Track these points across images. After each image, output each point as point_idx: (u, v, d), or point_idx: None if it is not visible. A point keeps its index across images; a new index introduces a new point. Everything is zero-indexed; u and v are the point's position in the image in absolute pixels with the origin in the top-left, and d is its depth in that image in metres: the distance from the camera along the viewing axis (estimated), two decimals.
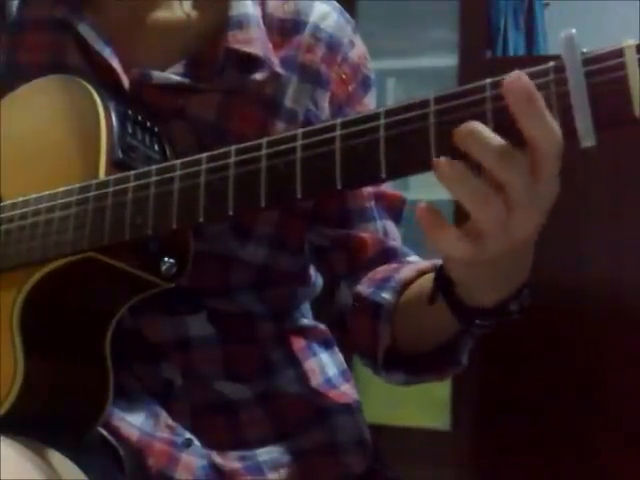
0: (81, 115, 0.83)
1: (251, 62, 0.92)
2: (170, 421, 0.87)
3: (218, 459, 0.87)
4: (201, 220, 0.73)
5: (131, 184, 0.76)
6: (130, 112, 0.84)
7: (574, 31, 0.60)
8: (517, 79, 0.60)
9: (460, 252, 0.65)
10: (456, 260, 0.69)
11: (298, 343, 0.97)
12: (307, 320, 1.01)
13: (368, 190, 0.95)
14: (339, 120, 0.68)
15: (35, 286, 0.78)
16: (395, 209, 0.98)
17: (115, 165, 0.80)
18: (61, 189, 0.80)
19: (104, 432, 0.85)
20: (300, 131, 0.69)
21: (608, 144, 0.62)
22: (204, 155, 0.74)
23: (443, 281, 0.76)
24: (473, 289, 0.73)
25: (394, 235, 0.97)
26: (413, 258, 0.95)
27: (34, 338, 0.79)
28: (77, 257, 0.78)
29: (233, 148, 0.72)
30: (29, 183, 0.84)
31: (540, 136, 0.61)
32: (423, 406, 2.33)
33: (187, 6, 0.95)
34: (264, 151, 0.70)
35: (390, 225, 0.97)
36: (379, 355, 0.89)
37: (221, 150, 0.73)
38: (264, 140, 0.71)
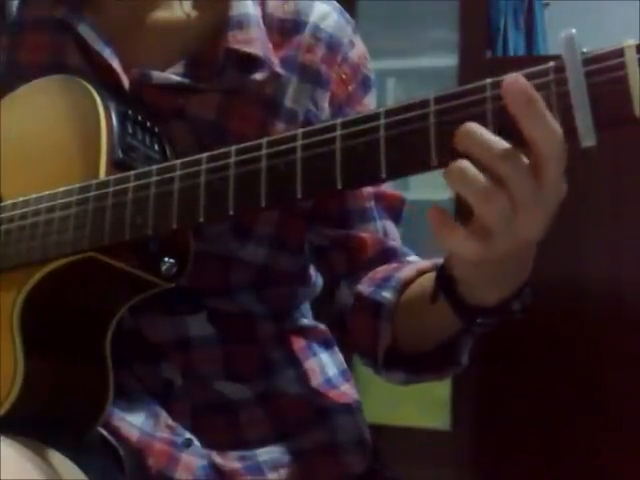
0: (81, 115, 0.83)
1: (251, 62, 0.92)
2: (170, 421, 0.87)
3: (218, 459, 0.87)
4: (201, 220, 0.73)
5: (131, 184, 0.76)
6: (130, 112, 0.84)
7: (574, 31, 0.60)
8: (515, 81, 0.61)
9: (469, 251, 0.65)
10: (465, 259, 0.69)
11: (298, 343, 0.97)
12: (307, 320, 1.01)
13: (368, 190, 0.95)
14: (339, 120, 0.68)
15: (35, 286, 0.78)
16: (395, 209, 0.98)
17: (115, 165, 0.80)
18: (61, 189, 0.80)
19: (104, 432, 0.85)
20: (300, 131, 0.69)
21: (608, 144, 0.62)
22: (204, 155, 0.74)
23: (445, 280, 0.76)
24: (475, 288, 0.73)
25: (394, 235, 0.97)
26: (413, 258, 0.95)
27: (34, 338, 0.79)
28: (77, 257, 0.78)
29: (233, 148, 0.72)
30: (29, 183, 0.84)
31: (541, 137, 0.61)
32: (423, 406, 2.33)
33: (187, 6, 0.95)
34: (264, 151, 0.70)
35: (390, 225, 0.97)
36: (379, 354, 0.89)
37: (221, 150, 0.73)
38: (264, 140, 0.71)
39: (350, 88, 0.97)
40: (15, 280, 0.80)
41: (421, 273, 0.87)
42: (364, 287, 0.92)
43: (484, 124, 0.62)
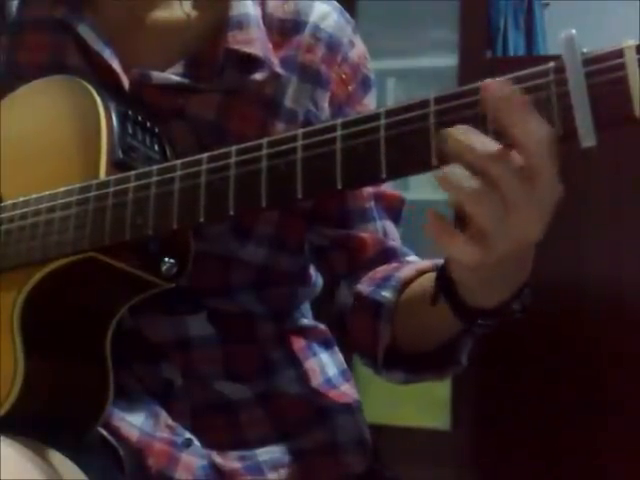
0: (82, 115, 0.83)
1: (251, 62, 0.92)
2: (170, 421, 0.87)
3: (218, 459, 0.87)
4: (202, 220, 0.73)
5: (132, 184, 0.76)
6: (130, 112, 0.84)
7: (574, 32, 0.60)
8: (492, 82, 0.61)
9: (468, 256, 0.65)
10: (465, 264, 0.69)
11: (298, 343, 0.97)
12: (307, 320, 1.01)
13: (368, 190, 0.95)
14: (339, 120, 0.68)
15: (35, 286, 0.78)
16: (395, 209, 0.98)
17: (115, 165, 0.80)
18: (61, 189, 0.80)
19: (104, 432, 0.85)
20: (301, 131, 0.69)
21: (608, 144, 0.62)
22: (205, 155, 0.74)
23: (445, 282, 0.76)
24: (476, 290, 0.73)
25: (394, 235, 0.97)
26: (413, 258, 0.95)
27: (34, 338, 0.79)
28: (78, 257, 0.78)
29: (234, 148, 0.72)
30: (29, 183, 0.84)
31: (523, 134, 0.61)
32: (423, 406, 2.34)
33: (187, 6, 0.95)
34: (265, 151, 0.70)
35: (390, 225, 0.97)
36: (379, 354, 0.89)
37: (222, 150, 0.73)
38: (265, 140, 0.71)
39: (350, 88, 0.97)
40: (15, 280, 0.80)
41: (421, 273, 0.87)
42: (364, 287, 0.92)
43: (484, 125, 0.62)
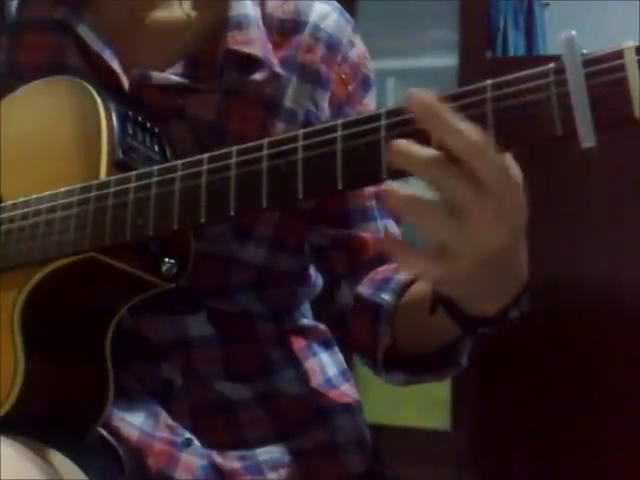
0: (82, 116, 0.83)
1: (251, 63, 0.92)
2: (170, 421, 0.87)
3: (218, 459, 0.87)
4: (202, 221, 0.73)
5: (132, 184, 0.76)
6: (130, 113, 0.84)
7: (574, 33, 0.60)
8: (410, 97, 0.62)
9: (429, 272, 0.66)
10: (430, 279, 0.70)
11: (298, 343, 0.97)
12: (307, 320, 1.01)
13: (369, 190, 0.95)
14: (340, 121, 0.68)
15: (36, 286, 0.78)
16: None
17: (116, 166, 0.80)
18: (62, 189, 0.80)
19: (104, 432, 0.85)
20: (301, 132, 0.69)
21: (608, 145, 0.62)
22: (205, 156, 0.74)
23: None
24: (470, 299, 0.73)
25: (395, 234, 0.97)
26: None
27: (35, 338, 0.79)
28: (78, 257, 0.78)
29: (234, 149, 0.72)
30: (30, 183, 0.84)
31: (452, 139, 0.61)
32: (423, 406, 2.33)
33: (186, 6, 0.95)
34: (265, 152, 0.70)
35: (391, 224, 0.97)
36: (379, 355, 0.89)
37: (222, 151, 0.73)
38: (265, 141, 0.71)
39: (350, 88, 0.97)
40: (16, 280, 0.80)
41: None
42: (364, 289, 0.92)
43: (484, 126, 0.62)
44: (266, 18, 0.95)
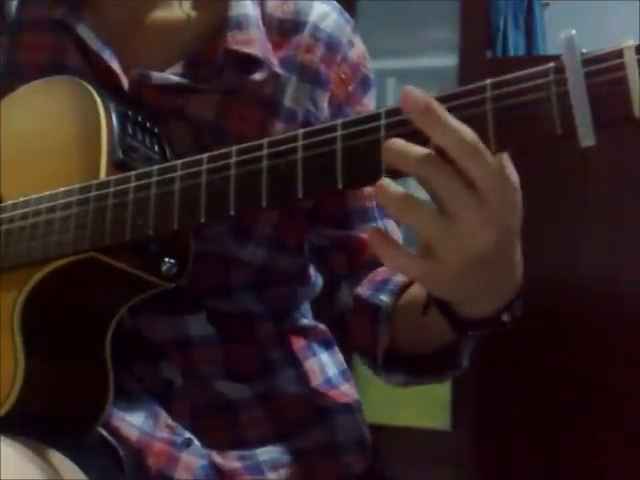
0: (82, 116, 0.83)
1: (250, 63, 0.92)
2: (170, 421, 0.87)
3: (218, 459, 0.87)
4: (202, 220, 0.73)
5: (132, 184, 0.76)
6: (130, 113, 0.84)
7: (574, 32, 0.60)
8: (404, 97, 0.62)
9: (408, 267, 0.66)
10: (412, 277, 0.69)
11: (298, 343, 0.97)
12: (307, 320, 1.01)
13: (368, 190, 0.95)
14: (340, 120, 0.68)
15: (36, 286, 0.78)
16: None
17: (116, 166, 0.80)
18: (62, 189, 0.80)
19: (104, 432, 0.85)
20: (301, 131, 0.69)
21: (608, 144, 0.62)
22: (205, 155, 0.74)
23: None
24: (462, 301, 0.73)
25: (395, 235, 0.97)
26: None
27: (35, 338, 0.79)
28: (78, 257, 0.78)
29: (234, 148, 0.72)
30: (30, 183, 0.84)
31: (442, 137, 0.61)
32: (423, 406, 2.33)
33: (186, 6, 0.95)
34: (265, 151, 0.70)
35: (391, 225, 0.97)
36: (378, 356, 0.89)
37: (222, 150, 0.73)
38: (265, 140, 0.71)
39: (349, 88, 0.97)
40: (16, 280, 0.80)
41: None
42: (363, 289, 0.92)
43: (484, 125, 0.62)
44: (266, 18, 0.95)
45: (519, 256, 0.70)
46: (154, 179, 0.76)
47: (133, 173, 0.77)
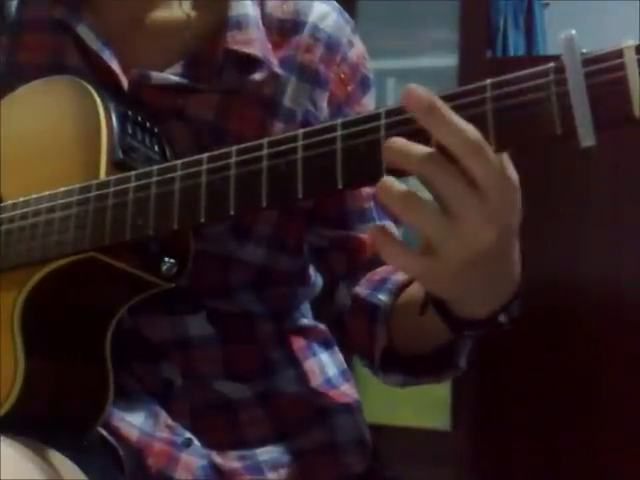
0: (82, 116, 0.83)
1: (250, 63, 0.92)
2: (170, 421, 0.87)
3: (218, 459, 0.87)
4: (202, 220, 0.73)
5: (132, 184, 0.76)
6: (130, 113, 0.84)
7: (574, 32, 0.60)
8: (407, 95, 0.62)
9: (408, 265, 0.66)
10: (413, 275, 0.69)
11: (298, 343, 0.97)
12: (307, 320, 1.01)
13: (367, 191, 0.95)
14: (340, 120, 0.68)
15: (36, 286, 0.78)
16: None
17: (115, 165, 0.80)
18: (62, 189, 0.80)
19: (104, 432, 0.85)
20: (301, 131, 0.69)
21: (608, 144, 0.62)
22: (205, 155, 0.74)
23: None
24: (460, 303, 0.73)
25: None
26: None
27: (35, 338, 0.79)
28: (78, 257, 0.78)
29: (234, 148, 0.72)
30: (30, 183, 0.84)
31: (447, 136, 0.61)
32: (423, 406, 2.33)
33: (186, 6, 0.95)
34: (265, 151, 0.70)
35: (390, 225, 0.97)
36: (376, 355, 0.89)
37: (222, 150, 0.73)
38: (265, 140, 0.71)
39: (349, 88, 0.97)
40: (15, 280, 0.80)
41: None
42: (361, 289, 0.92)
43: (484, 125, 0.62)
44: (266, 18, 0.95)
45: (517, 255, 0.70)
46: (154, 179, 0.76)
47: (133, 173, 0.77)
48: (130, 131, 0.83)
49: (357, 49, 0.99)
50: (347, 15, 1.01)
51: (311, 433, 0.91)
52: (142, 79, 0.90)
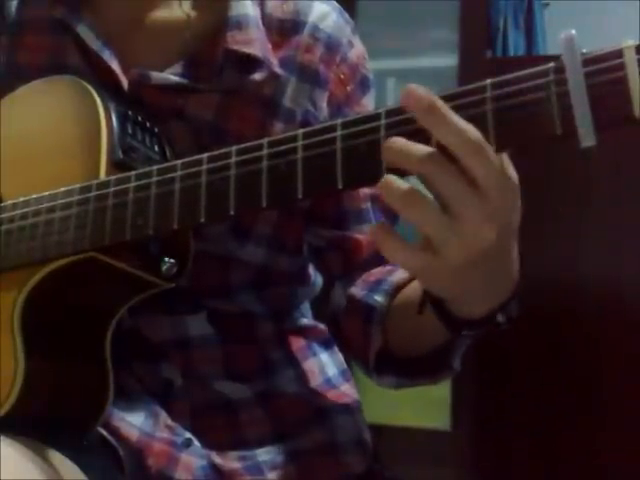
0: (81, 116, 0.83)
1: (250, 63, 0.92)
2: (170, 421, 0.87)
3: (218, 459, 0.87)
4: (202, 220, 0.73)
5: (132, 184, 0.76)
6: (130, 113, 0.84)
7: (574, 32, 0.60)
8: (407, 95, 0.62)
9: (408, 261, 0.66)
10: (412, 271, 0.69)
11: (298, 343, 0.97)
12: (307, 320, 1.01)
13: (365, 191, 0.95)
14: (339, 120, 0.68)
15: (36, 286, 0.78)
16: (391, 210, 0.97)
17: (115, 165, 0.80)
18: (62, 189, 0.80)
19: (104, 432, 0.85)
20: (301, 131, 0.69)
21: (608, 144, 0.62)
22: (205, 155, 0.74)
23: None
24: (459, 302, 0.73)
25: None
26: None
27: (35, 338, 0.79)
28: (78, 257, 0.78)
29: (234, 148, 0.72)
30: (30, 183, 0.84)
31: (447, 136, 0.61)
32: (423, 406, 2.33)
33: (186, 6, 0.95)
34: (265, 151, 0.70)
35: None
36: (370, 357, 0.89)
37: (222, 150, 0.73)
38: (265, 140, 0.71)
39: (349, 88, 0.97)
40: (16, 280, 0.80)
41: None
42: (357, 290, 0.92)
43: (484, 125, 0.62)
44: (265, 18, 0.95)
45: (516, 254, 0.70)
46: (154, 179, 0.76)
47: (133, 173, 0.77)
48: (130, 131, 0.83)
49: (357, 49, 0.99)
50: (347, 15, 1.01)
51: (311, 433, 0.91)
52: (142, 79, 0.90)
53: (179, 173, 0.74)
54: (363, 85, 0.99)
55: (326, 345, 1.00)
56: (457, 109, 0.62)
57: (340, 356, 1.01)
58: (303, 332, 0.99)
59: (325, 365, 0.98)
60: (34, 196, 0.82)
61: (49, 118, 0.87)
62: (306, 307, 1.03)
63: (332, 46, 0.96)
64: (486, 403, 2.20)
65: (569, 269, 2.13)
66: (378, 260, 0.93)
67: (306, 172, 0.68)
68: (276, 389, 0.92)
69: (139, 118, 0.85)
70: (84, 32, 0.92)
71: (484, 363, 1.93)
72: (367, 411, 0.98)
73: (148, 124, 0.85)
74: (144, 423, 0.86)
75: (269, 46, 0.93)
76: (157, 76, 0.90)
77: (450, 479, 2.24)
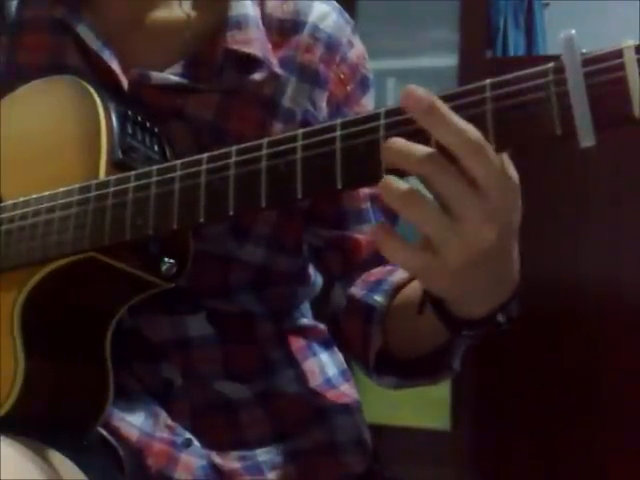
0: (81, 116, 0.83)
1: (250, 62, 0.92)
2: (170, 421, 0.87)
3: (218, 459, 0.87)
4: (202, 220, 0.73)
5: (131, 184, 0.76)
6: (130, 113, 0.84)
7: (574, 32, 0.60)
8: (407, 95, 0.62)
9: (408, 261, 0.66)
10: (412, 271, 0.69)
11: (298, 343, 0.97)
12: (307, 320, 1.01)
13: (364, 191, 0.95)
14: (339, 120, 0.68)
15: (36, 286, 0.78)
16: (391, 210, 0.97)
17: (115, 165, 0.80)
18: (61, 189, 0.80)
19: (104, 432, 0.85)
20: (300, 131, 0.69)
21: (608, 144, 0.62)
22: (205, 155, 0.74)
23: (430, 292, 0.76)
24: (459, 302, 0.73)
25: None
26: None
27: (35, 338, 0.79)
28: (78, 257, 0.78)
29: (234, 148, 0.72)
30: (29, 183, 0.84)
31: (447, 136, 0.61)
32: (423, 406, 2.33)
33: (186, 6, 0.95)
34: (265, 151, 0.70)
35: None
36: (370, 357, 0.89)
37: (222, 150, 0.73)
38: (265, 140, 0.71)
39: (348, 88, 0.97)
40: (15, 280, 0.80)
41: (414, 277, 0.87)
42: (357, 290, 0.92)
43: (484, 125, 0.62)
44: (265, 18, 0.95)
45: (516, 253, 0.70)
46: (154, 179, 0.76)
47: (133, 173, 0.77)
48: (130, 131, 0.83)
49: (357, 49, 0.99)
50: (347, 15, 1.01)
51: (311, 433, 0.91)
52: (142, 79, 0.90)
53: (179, 173, 0.74)
54: (363, 85, 0.99)
55: (326, 345, 1.00)
56: (457, 109, 0.62)
57: (340, 356, 1.01)
58: (303, 332, 0.99)
59: (325, 365, 0.98)
60: (34, 196, 0.82)
61: (49, 118, 0.87)
62: (306, 307, 1.02)
63: (332, 46, 0.96)
64: (486, 403, 2.20)
65: (569, 269, 2.13)
66: (378, 260, 0.93)
67: (305, 172, 0.68)
68: (276, 389, 0.92)
69: (139, 118, 0.85)
70: (84, 32, 0.92)
71: (484, 363, 1.92)
72: (367, 411, 0.98)
73: (148, 124, 0.85)
74: (144, 423, 0.86)
75: (269, 46, 0.93)
76: (157, 76, 0.90)
77: (450, 479, 2.24)
